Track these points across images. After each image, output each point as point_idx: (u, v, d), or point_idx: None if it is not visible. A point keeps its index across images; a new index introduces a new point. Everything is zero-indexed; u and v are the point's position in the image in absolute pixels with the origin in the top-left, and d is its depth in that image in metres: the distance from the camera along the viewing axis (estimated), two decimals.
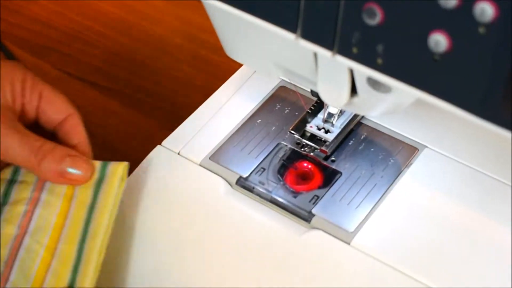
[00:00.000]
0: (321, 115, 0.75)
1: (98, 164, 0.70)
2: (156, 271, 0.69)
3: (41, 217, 0.68)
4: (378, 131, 0.75)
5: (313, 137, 0.74)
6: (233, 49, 0.67)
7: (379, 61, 0.54)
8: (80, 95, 0.90)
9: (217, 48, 0.72)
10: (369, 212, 0.69)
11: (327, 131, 0.74)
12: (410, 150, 0.73)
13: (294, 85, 0.77)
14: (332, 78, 0.60)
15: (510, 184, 0.70)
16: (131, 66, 0.94)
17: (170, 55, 0.95)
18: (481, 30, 0.49)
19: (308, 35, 0.56)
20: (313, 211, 0.70)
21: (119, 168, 0.70)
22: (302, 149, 0.74)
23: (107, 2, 1.00)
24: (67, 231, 0.68)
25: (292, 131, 0.74)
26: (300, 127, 0.75)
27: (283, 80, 0.79)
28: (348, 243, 0.68)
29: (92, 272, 0.66)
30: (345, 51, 0.55)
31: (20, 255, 0.67)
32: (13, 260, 0.67)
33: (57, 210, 0.68)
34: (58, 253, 0.67)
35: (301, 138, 0.74)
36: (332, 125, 0.74)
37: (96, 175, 0.70)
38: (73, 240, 0.68)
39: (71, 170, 0.68)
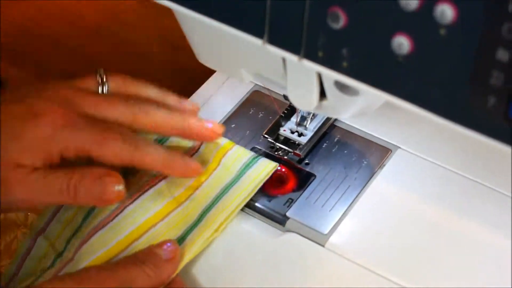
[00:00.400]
0: (294, 119, 0.76)
1: (249, 153, 0.72)
2: None
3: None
4: (351, 133, 0.76)
5: (287, 141, 0.75)
6: (204, 56, 0.68)
7: (345, 64, 0.54)
8: None
9: (194, 54, 0.73)
10: (343, 214, 0.70)
11: (300, 134, 0.75)
12: (383, 151, 0.74)
13: (268, 89, 0.78)
14: (301, 82, 0.61)
15: (483, 183, 0.71)
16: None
17: (147, 62, 0.95)
18: (442, 31, 0.49)
19: (275, 40, 0.56)
20: (288, 214, 0.70)
21: (270, 164, 0.72)
22: (276, 153, 0.75)
23: (85, 4, 1.00)
24: (198, 194, 0.70)
25: (266, 135, 0.75)
26: (273, 131, 0.75)
27: (257, 84, 0.80)
28: (323, 245, 0.68)
29: (201, 241, 0.68)
30: (311, 55, 0.55)
31: (148, 193, 0.70)
32: (140, 194, 0.69)
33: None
34: (181, 208, 0.69)
35: (274, 142, 0.75)
36: (305, 128, 0.75)
37: (243, 160, 0.72)
38: (200, 204, 0.70)
39: (113, 187, 0.66)
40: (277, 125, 0.76)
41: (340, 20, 0.52)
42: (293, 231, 0.69)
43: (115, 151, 0.65)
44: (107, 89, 0.70)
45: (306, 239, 0.69)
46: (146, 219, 0.68)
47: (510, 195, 0.70)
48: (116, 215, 0.68)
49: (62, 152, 0.65)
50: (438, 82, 0.51)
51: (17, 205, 0.67)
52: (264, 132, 0.75)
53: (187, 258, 0.67)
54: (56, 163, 0.66)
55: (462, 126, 0.52)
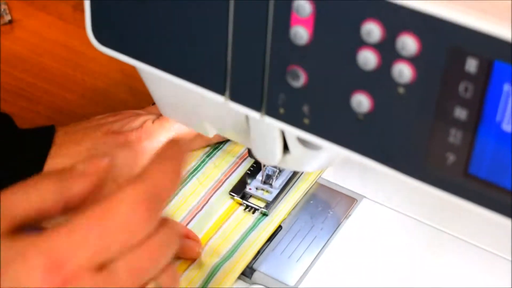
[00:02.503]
0: (259, 177, 0.76)
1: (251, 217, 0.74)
2: None
3: None
4: (317, 182, 0.76)
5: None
6: (168, 110, 0.68)
7: (306, 121, 0.54)
8: None
9: None
10: (309, 265, 0.70)
11: (266, 192, 0.75)
12: (349, 201, 0.74)
13: None
14: (264, 137, 0.61)
15: (450, 232, 0.71)
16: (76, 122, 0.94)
17: (114, 109, 0.95)
18: (400, 90, 0.50)
19: (236, 98, 0.56)
20: (254, 266, 0.70)
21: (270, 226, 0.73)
22: (245, 210, 0.74)
23: (50, 58, 1.00)
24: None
25: (232, 193, 0.75)
26: (239, 188, 0.75)
27: None
28: None
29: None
30: (272, 112, 0.55)
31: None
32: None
33: None
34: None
35: (241, 200, 0.75)
36: (271, 186, 0.75)
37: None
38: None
39: None
40: (243, 182, 0.76)
41: (300, 78, 0.53)
42: (259, 284, 0.69)
43: None
44: None
45: None
46: None
47: (477, 244, 0.70)
48: None
49: None
50: (397, 139, 0.52)
51: None
52: (230, 190, 0.75)
53: None
54: None
55: (422, 182, 0.52)
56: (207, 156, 0.78)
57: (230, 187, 0.76)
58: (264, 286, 0.69)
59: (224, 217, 0.73)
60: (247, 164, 0.77)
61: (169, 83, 0.59)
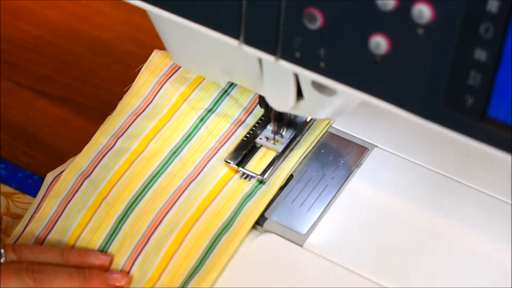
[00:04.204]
0: (270, 127, 0.75)
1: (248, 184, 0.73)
2: None
3: None
4: (328, 132, 0.75)
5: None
6: (179, 57, 0.67)
7: (322, 64, 0.54)
8: (30, 105, 0.89)
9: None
10: (321, 214, 0.70)
11: (277, 142, 0.74)
12: (360, 150, 0.74)
13: None
14: (278, 82, 0.61)
15: (460, 180, 0.71)
16: (81, 74, 0.93)
17: (120, 62, 0.94)
18: (420, 31, 0.49)
19: (251, 41, 0.56)
20: (266, 214, 0.70)
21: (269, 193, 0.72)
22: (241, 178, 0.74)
23: (54, 10, 0.99)
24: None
25: (228, 160, 0.74)
26: (236, 155, 0.74)
27: None
28: (301, 246, 0.68)
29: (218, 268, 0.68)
30: (288, 56, 0.55)
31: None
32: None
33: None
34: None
35: (237, 167, 0.73)
36: (282, 136, 0.74)
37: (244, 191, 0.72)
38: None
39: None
40: (240, 149, 0.74)
41: (317, 21, 0.52)
42: (271, 232, 0.69)
43: None
44: (4, 260, 0.68)
45: (285, 240, 0.68)
46: None
47: (487, 192, 0.70)
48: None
49: None
50: (415, 82, 0.51)
51: None
52: (226, 157, 0.74)
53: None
54: None
55: (440, 126, 0.52)
56: (200, 120, 0.77)
57: (226, 154, 0.74)
58: (276, 233, 0.69)
59: (220, 186, 0.73)
60: (242, 130, 0.76)
61: (182, 28, 0.58)
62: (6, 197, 0.78)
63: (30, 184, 0.80)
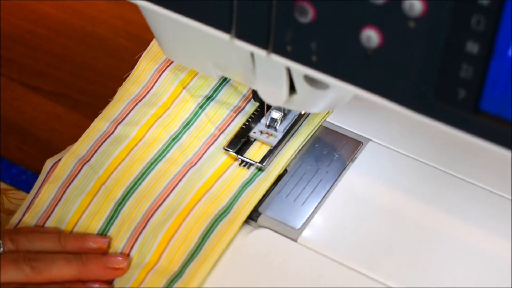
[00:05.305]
0: (264, 120, 0.75)
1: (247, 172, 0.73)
2: None
3: None
4: (322, 126, 0.75)
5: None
6: (171, 52, 0.67)
7: (314, 58, 0.54)
8: (24, 100, 0.89)
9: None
10: (315, 208, 0.69)
11: (271, 135, 0.74)
12: (354, 144, 0.73)
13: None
14: (270, 76, 0.60)
15: (454, 174, 0.71)
16: (75, 69, 0.93)
17: (114, 56, 0.94)
18: (411, 24, 0.49)
19: (242, 35, 0.55)
20: (260, 209, 0.70)
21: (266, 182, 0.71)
22: (240, 165, 0.73)
23: (48, 4, 0.99)
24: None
25: (227, 148, 0.74)
26: (235, 144, 0.74)
27: None
28: (295, 240, 0.68)
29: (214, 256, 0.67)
30: (279, 50, 0.55)
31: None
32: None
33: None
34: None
35: (237, 154, 0.73)
36: (275, 129, 0.74)
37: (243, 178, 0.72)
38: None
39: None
40: (239, 137, 0.74)
41: (308, 14, 0.52)
42: (265, 227, 0.69)
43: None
44: (2, 250, 0.68)
45: (278, 234, 0.68)
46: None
47: (483, 186, 0.70)
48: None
49: None
50: (407, 75, 0.51)
51: None
52: (225, 145, 0.74)
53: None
54: None
55: (432, 119, 0.52)
56: (200, 108, 0.77)
57: (225, 142, 0.74)
58: (270, 228, 0.68)
59: (219, 172, 0.72)
60: (241, 118, 0.76)
61: (173, 22, 0.58)
62: (0, 193, 0.78)
63: (24, 179, 0.80)
